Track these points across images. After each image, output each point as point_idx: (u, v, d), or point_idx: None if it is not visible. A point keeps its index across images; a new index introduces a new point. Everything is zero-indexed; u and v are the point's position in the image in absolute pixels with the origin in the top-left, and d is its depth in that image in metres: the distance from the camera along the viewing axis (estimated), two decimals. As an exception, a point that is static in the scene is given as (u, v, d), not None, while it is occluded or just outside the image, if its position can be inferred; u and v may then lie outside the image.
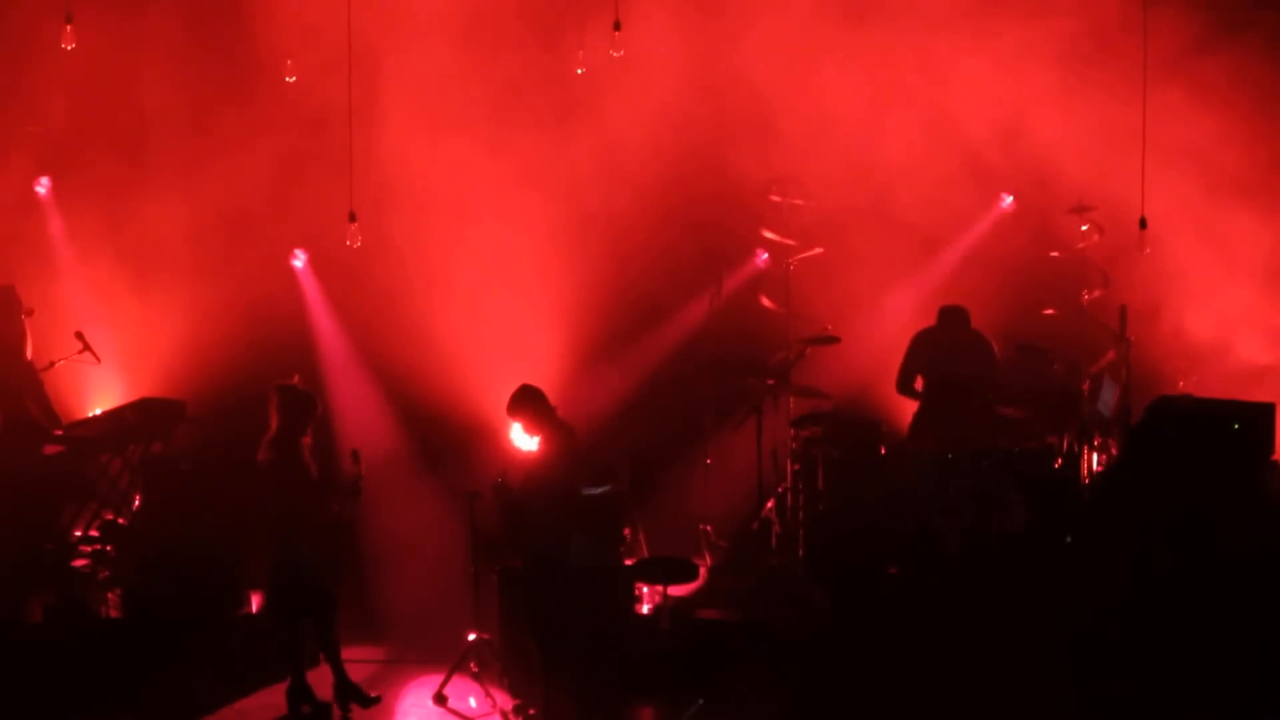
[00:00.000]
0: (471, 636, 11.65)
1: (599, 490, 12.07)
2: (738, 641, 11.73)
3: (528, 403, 11.37)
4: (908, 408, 13.47)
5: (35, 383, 13.43)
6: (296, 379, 11.27)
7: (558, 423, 11.41)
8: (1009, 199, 14.68)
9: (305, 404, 11.15)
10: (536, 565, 11.27)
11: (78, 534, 13.00)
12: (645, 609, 12.20)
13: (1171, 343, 13.87)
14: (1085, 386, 13.45)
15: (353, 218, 11.48)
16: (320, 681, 11.57)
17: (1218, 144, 13.51)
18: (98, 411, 13.82)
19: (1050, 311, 13.97)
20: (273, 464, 11.02)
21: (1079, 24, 13.73)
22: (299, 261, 15.16)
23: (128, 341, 14.58)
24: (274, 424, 11.07)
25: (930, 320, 13.37)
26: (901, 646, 11.20)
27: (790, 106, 14.22)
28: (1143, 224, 11.16)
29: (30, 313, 13.46)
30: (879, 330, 14.42)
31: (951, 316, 13.20)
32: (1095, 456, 12.95)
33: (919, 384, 13.39)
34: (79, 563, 12.70)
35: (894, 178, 14.20)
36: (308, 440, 11.12)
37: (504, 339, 14.36)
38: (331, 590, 11.30)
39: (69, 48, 11.82)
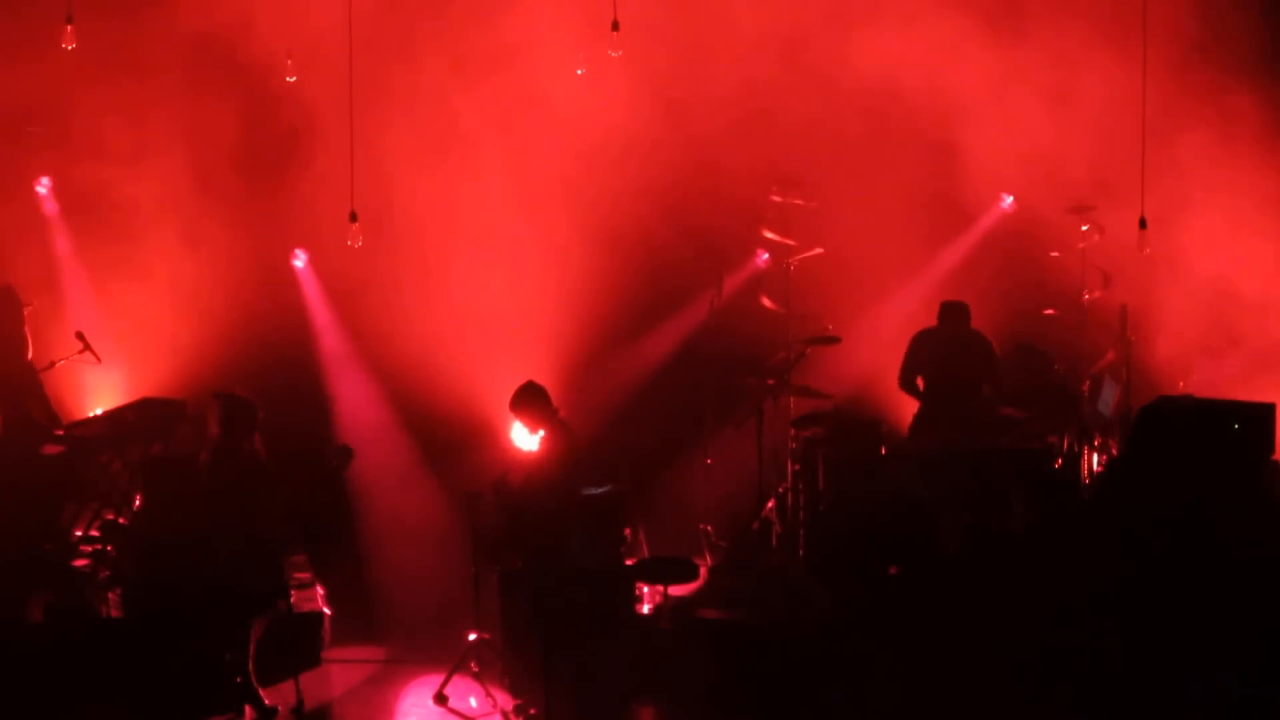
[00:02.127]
0: (472, 636, 11.65)
1: (599, 490, 12.07)
2: (738, 641, 11.73)
3: (530, 400, 11.38)
4: (908, 408, 13.48)
5: (35, 383, 13.43)
6: (235, 390, 11.30)
7: (559, 422, 11.42)
8: (1009, 199, 14.69)
9: (244, 412, 11.15)
10: (537, 565, 11.27)
11: (78, 534, 13.00)
12: (645, 609, 12.20)
13: (1171, 343, 13.89)
14: (1085, 386, 13.47)
15: (353, 218, 11.49)
16: (319, 683, 11.61)
17: (1218, 142, 13.54)
18: (98, 411, 13.81)
19: (1050, 311, 14.00)
20: (208, 468, 11.05)
21: (1079, 24, 13.74)
22: (299, 261, 15.16)
23: (128, 341, 14.58)
24: (213, 432, 11.12)
25: (930, 320, 13.39)
26: (901, 646, 11.20)
27: (791, 106, 14.23)
28: (1143, 224, 11.17)
29: (29, 304, 13.44)
30: (879, 330, 14.44)
31: (952, 311, 13.22)
32: (1095, 456, 12.97)
33: (920, 383, 13.41)
34: (79, 562, 12.70)
35: (894, 177, 14.21)
36: (254, 444, 11.10)
37: (504, 339, 14.38)
38: (245, 597, 11.14)
39: (69, 48, 11.82)
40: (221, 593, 10.97)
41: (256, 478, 11.10)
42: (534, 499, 11.25)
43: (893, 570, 12.10)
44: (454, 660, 11.59)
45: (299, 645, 11.76)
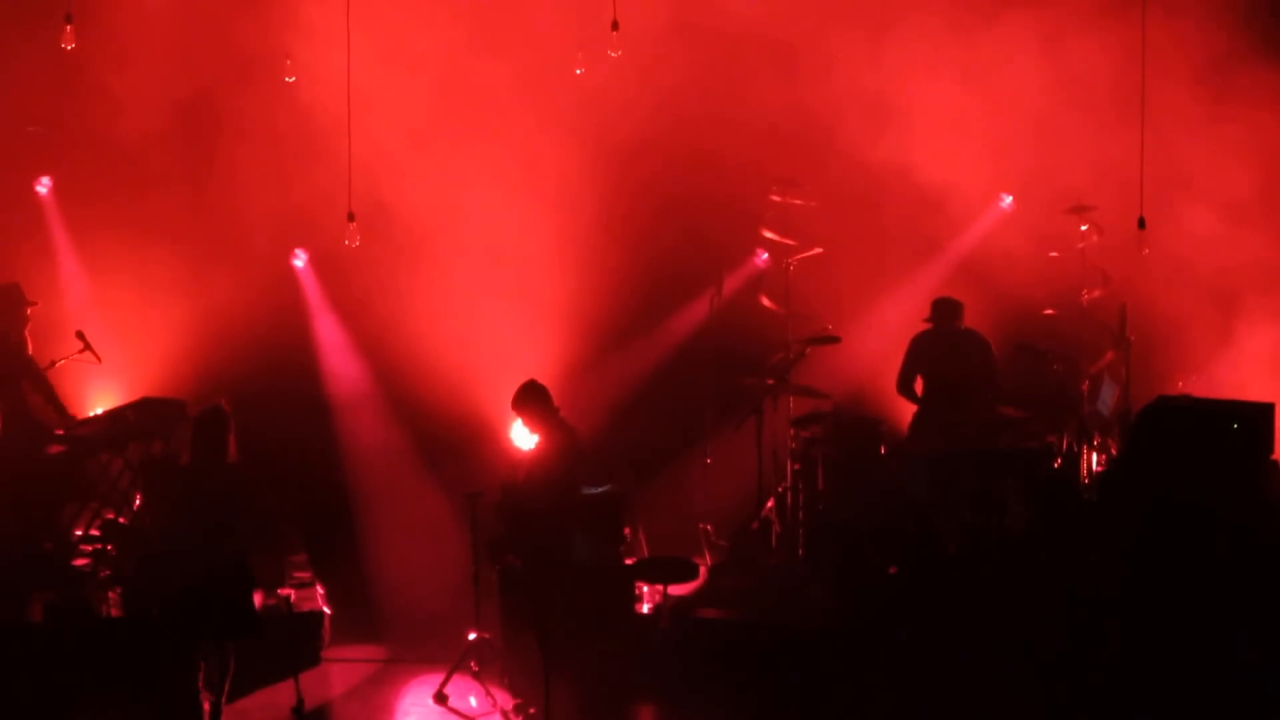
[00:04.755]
0: (472, 636, 11.66)
1: (599, 490, 12.08)
2: (738, 641, 11.74)
3: (529, 399, 11.39)
4: (908, 408, 13.49)
5: (41, 378, 13.36)
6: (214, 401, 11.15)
7: (559, 421, 11.42)
8: (1009, 199, 14.68)
9: (209, 428, 10.78)
10: (536, 564, 11.27)
11: (79, 533, 13.01)
12: (645, 609, 12.21)
13: (1171, 343, 13.89)
14: (1085, 386, 13.46)
15: (352, 218, 11.49)
16: (319, 683, 11.61)
17: (1218, 142, 13.55)
18: (98, 411, 13.80)
19: (1050, 311, 13.99)
20: (179, 488, 10.89)
21: (1079, 23, 13.74)
22: (299, 261, 15.17)
23: (128, 341, 14.58)
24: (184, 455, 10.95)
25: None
26: (901, 646, 11.21)
27: (791, 106, 14.22)
28: (1142, 224, 11.17)
29: (34, 303, 13.43)
30: (879, 330, 14.44)
31: (944, 307, 13.24)
32: (1095, 456, 12.97)
33: (919, 386, 13.42)
34: (80, 562, 12.71)
35: (894, 177, 14.21)
36: (226, 461, 10.81)
37: (504, 339, 14.38)
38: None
39: (69, 48, 11.82)
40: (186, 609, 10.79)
41: (226, 501, 10.72)
42: (532, 497, 11.25)
43: (892, 570, 12.11)
44: (454, 660, 11.60)
45: (299, 645, 11.78)
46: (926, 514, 12.32)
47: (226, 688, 10.84)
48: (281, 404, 14.67)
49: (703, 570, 12.87)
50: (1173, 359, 13.87)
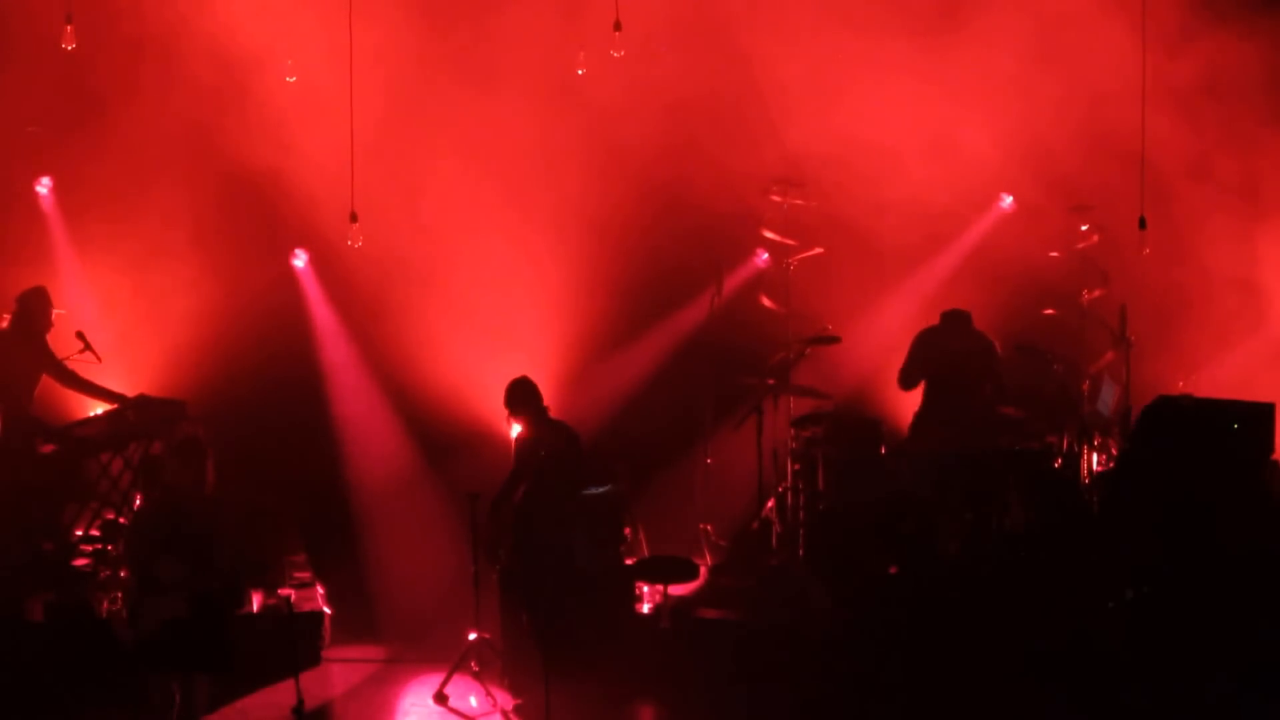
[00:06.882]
0: (472, 636, 11.66)
1: (599, 490, 12.08)
2: (738, 641, 11.74)
3: (515, 397, 11.42)
4: (908, 408, 13.47)
5: (71, 375, 13.24)
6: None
7: (545, 419, 11.43)
8: (1009, 199, 14.69)
9: (188, 458, 10.69)
10: (527, 562, 11.27)
11: (79, 533, 13.01)
12: (645, 609, 12.21)
13: (1171, 343, 13.90)
14: (1085, 386, 13.47)
15: (353, 218, 11.49)
16: (319, 683, 11.62)
17: (1218, 141, 13.56)
18: (98, 411, 13.79)
19: (1050, 311, 14.00)
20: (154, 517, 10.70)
21: (1081, 22, 13.76)
22: (299, 261, 15.16)
23: (128, 341, 14.58)
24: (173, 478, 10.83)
25: (930, 321, 13.39)
26: (901, 646, 11.21)
27: (791, 106, 14.23)
28: (1142, 224, 11.18)
29: (59, 309, 13.41)
30: (879, 330, 14.45)
31: (954, 320, 13.22)
32: (1095, 456, 12.97)
33: (920, 383, 13.41)
34: (80, 562, 12.71)
35: (894, 177, 14.22)
36: (202, 491, 10.69)
37: (505, 339, 14.38)
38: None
39: (69, 48, 11.82)
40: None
41: (204, 532, 10.56)
42: (517, 495, 11.30)
43: (893, 570, 12.11)
44: (454, 660, 11.61)
45: (299, 645, 11.78)
46: (926, 514, 12.33)
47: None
48: (281, 404, 14.68)
49: (703, 570, 12.88)
50: (1173, 359, 13.88)
